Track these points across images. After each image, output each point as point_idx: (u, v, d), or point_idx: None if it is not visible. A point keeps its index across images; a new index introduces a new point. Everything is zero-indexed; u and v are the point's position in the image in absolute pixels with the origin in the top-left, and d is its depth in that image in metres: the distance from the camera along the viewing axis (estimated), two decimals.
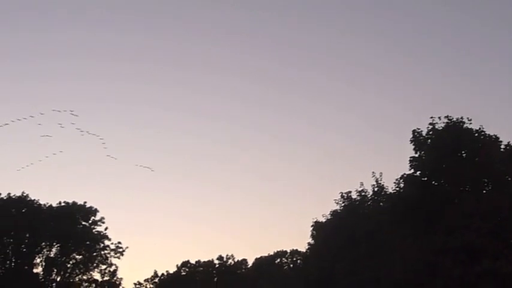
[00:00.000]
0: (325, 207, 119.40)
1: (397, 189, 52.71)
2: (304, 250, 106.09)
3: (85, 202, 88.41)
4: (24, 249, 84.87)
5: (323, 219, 70.97)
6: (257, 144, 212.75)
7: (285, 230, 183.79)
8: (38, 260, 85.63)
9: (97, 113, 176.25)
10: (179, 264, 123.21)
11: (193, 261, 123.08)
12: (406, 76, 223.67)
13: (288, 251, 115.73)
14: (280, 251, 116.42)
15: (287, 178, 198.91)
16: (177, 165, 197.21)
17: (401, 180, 51.12)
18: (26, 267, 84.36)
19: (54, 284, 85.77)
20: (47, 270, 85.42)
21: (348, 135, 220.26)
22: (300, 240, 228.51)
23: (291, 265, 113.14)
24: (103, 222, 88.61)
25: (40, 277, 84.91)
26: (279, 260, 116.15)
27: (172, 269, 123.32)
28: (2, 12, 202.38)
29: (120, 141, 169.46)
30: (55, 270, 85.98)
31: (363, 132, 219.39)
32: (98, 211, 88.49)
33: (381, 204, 60.23)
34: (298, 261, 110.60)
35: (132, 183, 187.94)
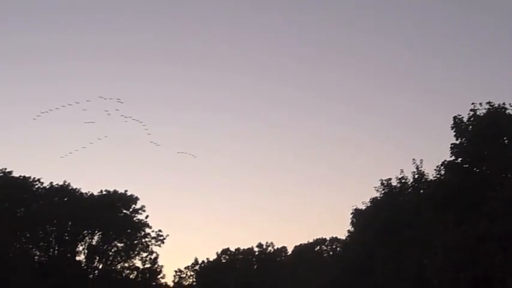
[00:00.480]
0: (365, 195, 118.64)
1: (438, 176, 52.21)
2: (344, 238, 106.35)
3: (126, 191, 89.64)
4: (67, 237, 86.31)
5: (363, 207, 70.89)
6: (298, 131, 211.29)
7: (325, 217, 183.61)
8: (81, 248, 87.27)
9: (140, 100, 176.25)
10: (219, 251, 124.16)
11: (233, 249, 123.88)
12: (447, 62, 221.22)
13: (328, 238, 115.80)
14: (319, 239, 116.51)
15: (326, 165, 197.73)
16: (219, 151, 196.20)
17: (442, 167, 50.48)
18: (69, 255, 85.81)
19: (96, 272, 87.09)
20: (89, 257, 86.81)
21: (388, 123, 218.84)
22: (340, 228, 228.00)
23: (331, 252, 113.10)
24: (144, 211, 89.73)
25: (83, 264, 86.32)
26: (318, 247, 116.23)
27: (213, 257, 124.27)
28: (49, 14, 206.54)
29: (163, 128, 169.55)
30: (97, 257, 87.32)
31: (403, 119, 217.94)
32: (138, 199, 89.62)
33: (422, 191, 59.69)
34: (338, 248, 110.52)
35: (173, 170, 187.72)
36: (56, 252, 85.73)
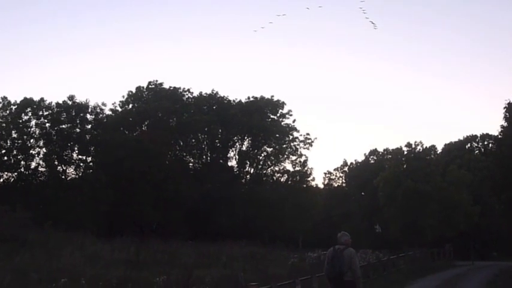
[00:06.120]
0: None
1: None
2: (496, 133, 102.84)
3: (272, 96, 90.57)
4: (218, 144, 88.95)
5: None
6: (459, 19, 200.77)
7: (474, 113, 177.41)
8: (232, 154, 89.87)
9: None
10: (367, 152, 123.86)
11: (381, 149, 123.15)
12: None
13: (479, 135, 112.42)
14: (470, 136, 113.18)
15: (476, 56, 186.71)
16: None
17: None
18: (221, 161, 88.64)
19: (248, 176, 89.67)
20: (240, 162, 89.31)
21: None
22: (491, 123, 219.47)
23: (482, 149, 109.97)
24: (291, 115, 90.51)
25: (235, 169, 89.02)
26: (469, 144, 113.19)
27: (361, 158, 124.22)
28: None
29: None
30: (248, 162, 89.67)
31: None
32: (285, 104, 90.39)
33: None
34: (490, 145, 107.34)
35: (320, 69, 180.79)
36: (208, 158, 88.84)
